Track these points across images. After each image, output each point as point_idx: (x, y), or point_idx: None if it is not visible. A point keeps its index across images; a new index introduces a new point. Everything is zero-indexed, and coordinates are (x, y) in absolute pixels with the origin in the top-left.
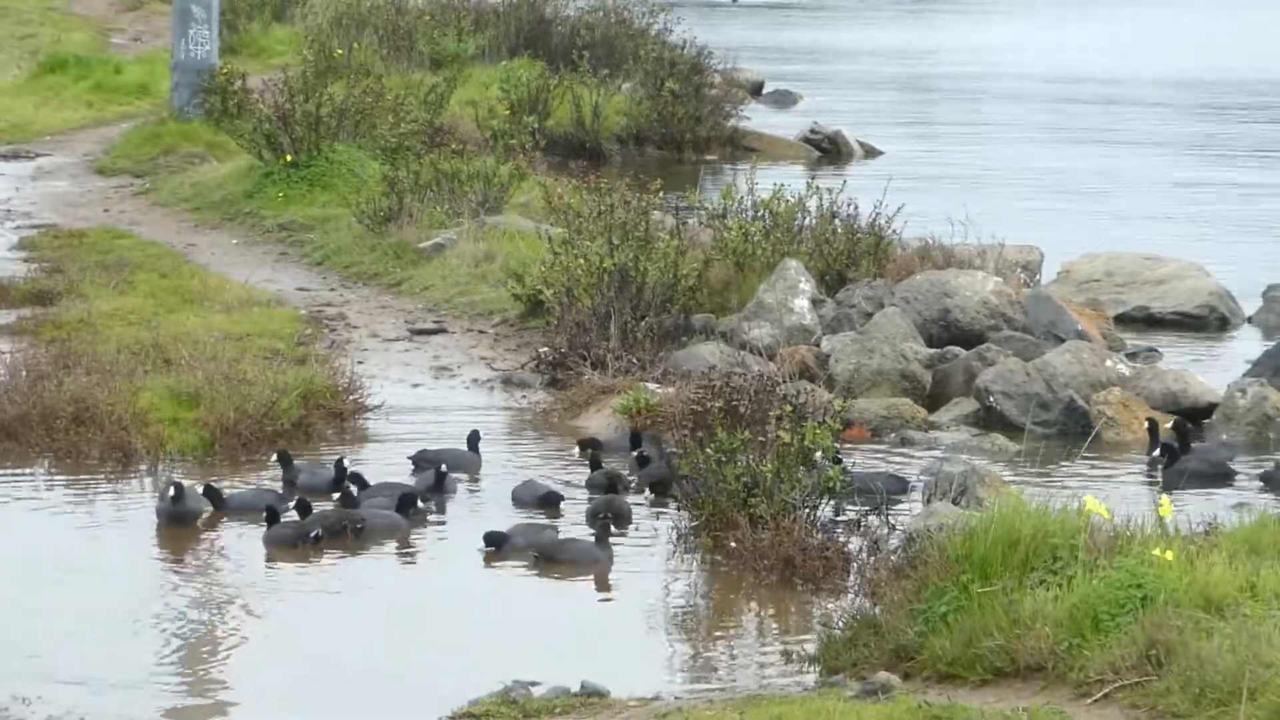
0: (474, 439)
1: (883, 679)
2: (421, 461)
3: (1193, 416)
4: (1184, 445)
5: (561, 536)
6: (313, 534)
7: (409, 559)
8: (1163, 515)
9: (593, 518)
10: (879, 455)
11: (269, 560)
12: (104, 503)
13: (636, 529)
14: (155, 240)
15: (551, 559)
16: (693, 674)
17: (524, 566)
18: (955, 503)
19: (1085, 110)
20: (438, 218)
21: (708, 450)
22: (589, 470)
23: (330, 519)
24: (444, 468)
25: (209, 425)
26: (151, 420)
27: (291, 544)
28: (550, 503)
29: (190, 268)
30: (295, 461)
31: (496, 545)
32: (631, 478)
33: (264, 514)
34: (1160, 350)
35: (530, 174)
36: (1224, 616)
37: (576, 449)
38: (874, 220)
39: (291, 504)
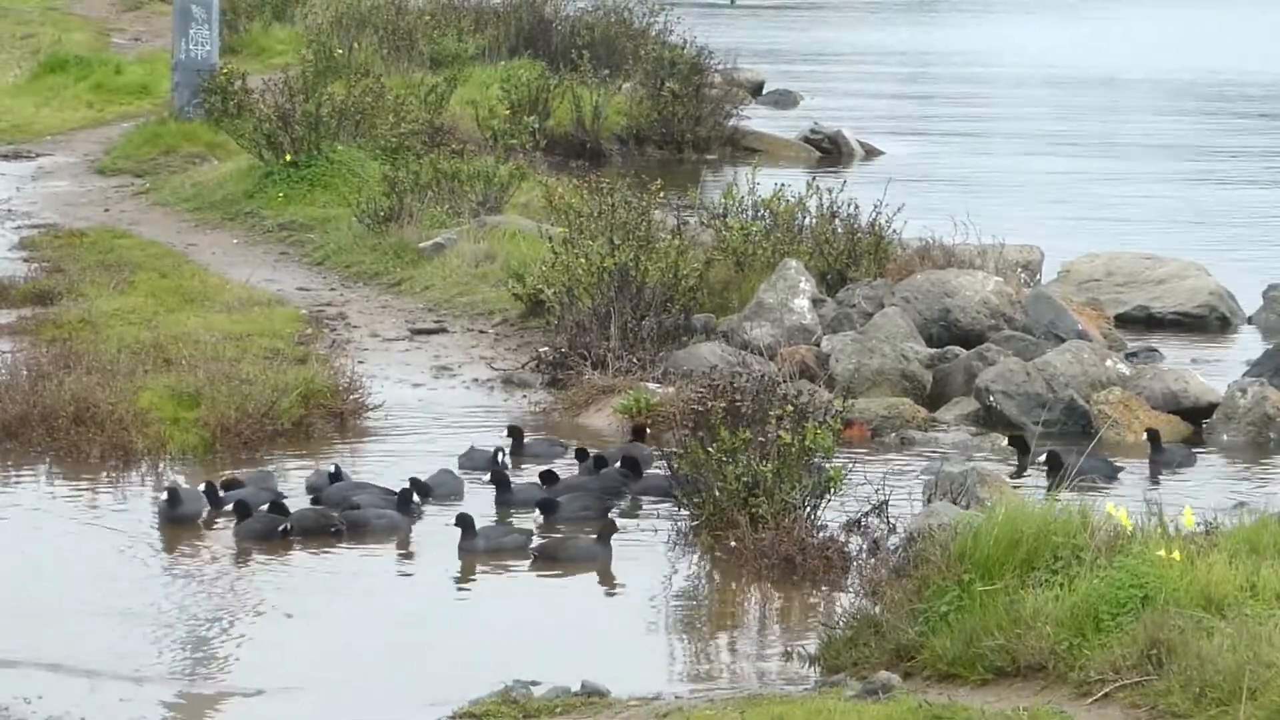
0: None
1: (883, 678)
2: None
3: (1193, 416)
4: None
5: (534, 541)
6: (280, 529)
7: (409, 559)
8: (1186, 523)
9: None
10: (880, 455)
11: (269, 561)
12: (105, 502)
13: (638, 528)
14: (156, 240)
15: (552, 558)
16: (693, 674)
17: (524, 566)
18: (956, 502)
19: (1086, 110)
20: (438, 217)
21: (709, 450)
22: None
23: (307, 518)
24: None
25: (210, 425)
26: (152, 420)
27: (263, 538)
28: (548, 509)
29: (191, 267)
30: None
31: (464, 531)
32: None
33: (233, 511)
34: (1160, 350)
35: (530, 174)
36: (1224, 616)
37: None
38: (874, 220)
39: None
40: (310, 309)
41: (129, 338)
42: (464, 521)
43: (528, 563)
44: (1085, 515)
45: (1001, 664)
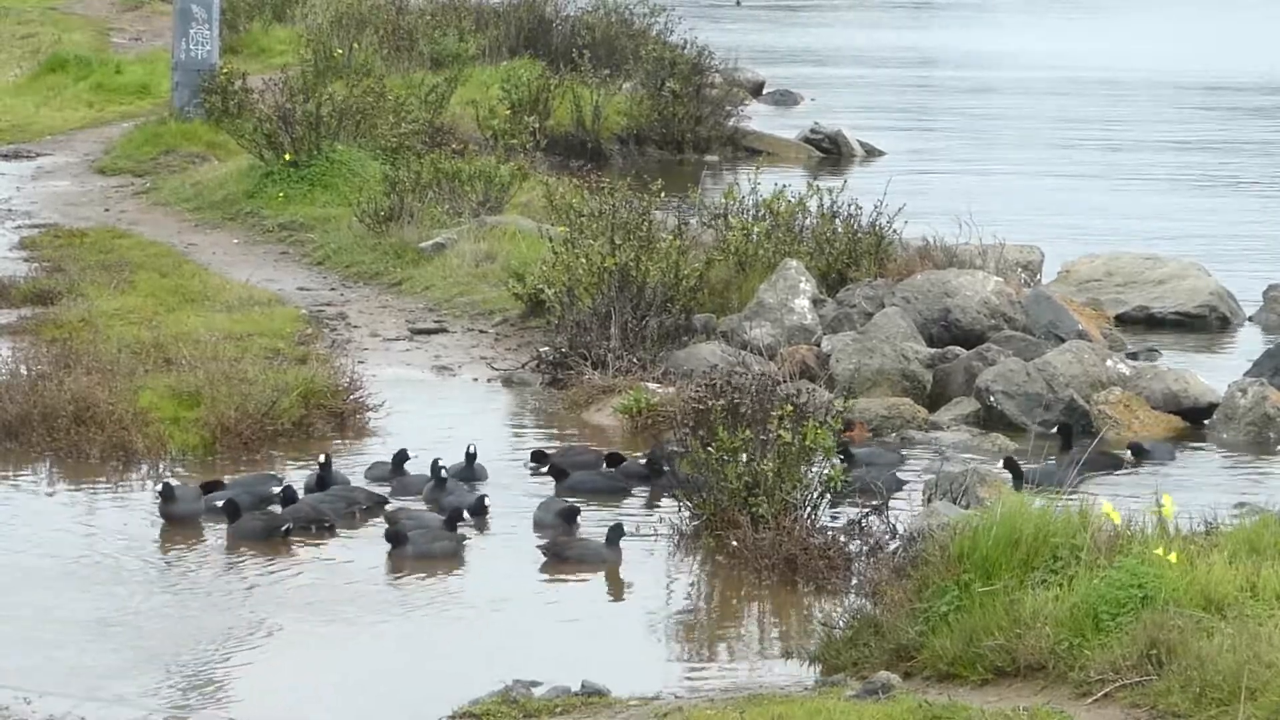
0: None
1: (883, 678)
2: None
3: (1193, 416)
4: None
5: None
6: (283, 528)
7: (410, 560)
8: (1165, 515)
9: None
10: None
11: (268, 561)
12: (105, 502)
13: (637, 529)
14: (156, 240)
15: (560, 558)
16: (693, 673)
17: (526, 566)
18: (956, 502)
19: (1087, 110)
20: (438, 217)
21: (709, 449)
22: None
23: (301, 513)
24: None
25: (210, 425)
26: (152, 420)
27: (261, 538)
28: (567, 519)
29: (191, 267)
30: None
31: (395, 544)
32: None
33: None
34: (1160, 350)
35: (531, 174)
36: (1224, 616)
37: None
38: (875, 220)
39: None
40: (310, 309)
41: (129, 338)
42: (395, 536)
43: (532, 563)
44: (1084, 515)
45: (1001, 664)
